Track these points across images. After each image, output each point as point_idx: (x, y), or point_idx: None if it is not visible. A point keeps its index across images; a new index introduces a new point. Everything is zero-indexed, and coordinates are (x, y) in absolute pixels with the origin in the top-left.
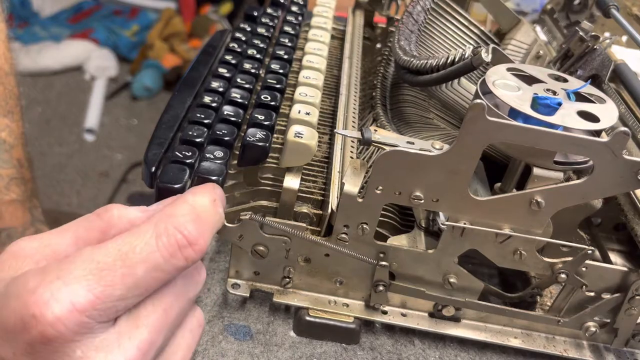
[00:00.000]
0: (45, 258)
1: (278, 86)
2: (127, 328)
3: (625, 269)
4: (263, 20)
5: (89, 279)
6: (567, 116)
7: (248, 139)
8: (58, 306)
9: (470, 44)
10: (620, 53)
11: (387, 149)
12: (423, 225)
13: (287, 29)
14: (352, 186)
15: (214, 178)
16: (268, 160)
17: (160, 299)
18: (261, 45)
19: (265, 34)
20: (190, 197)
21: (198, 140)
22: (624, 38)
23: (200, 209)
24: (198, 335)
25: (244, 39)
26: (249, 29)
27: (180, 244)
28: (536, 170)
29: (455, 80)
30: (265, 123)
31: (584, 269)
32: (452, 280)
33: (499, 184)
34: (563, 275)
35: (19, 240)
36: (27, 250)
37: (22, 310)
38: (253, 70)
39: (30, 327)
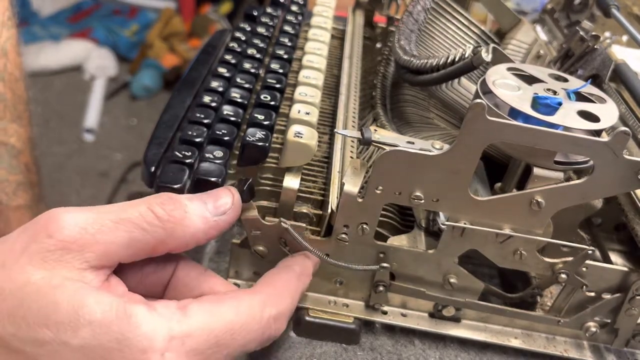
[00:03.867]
0: (99, 258)
1: (278, 86)
2: None
3: (625, 269)
4: (263, 19)
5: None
6: (568, 116)
7: (248, 138)
8: None
9: (471, 43)
10: (621, 53)
11: (387, 148)
12: (423, 225)
13: (287, 28)
14: (352, 186)
15: (213, 179)
16: (268, 160)
17: None
18: (261, 45)
19: (265, 33)
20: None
21: (197, 140)
22: (625, 38)
23: (295, 290)
24: None
25: (243, 38)
26: (248, 28)
27: (275, 317)
28: (536, 170)
29: (456, 80)
30: (265, 123)
31: (584, 269)
32: (452, 280)
33: (499, 184)
34: (563, 276)
35: (68, 224)
36: (79, 242)
37: None
38: (253, 70)
39: None
